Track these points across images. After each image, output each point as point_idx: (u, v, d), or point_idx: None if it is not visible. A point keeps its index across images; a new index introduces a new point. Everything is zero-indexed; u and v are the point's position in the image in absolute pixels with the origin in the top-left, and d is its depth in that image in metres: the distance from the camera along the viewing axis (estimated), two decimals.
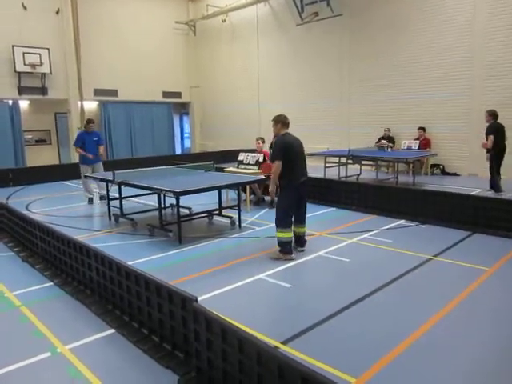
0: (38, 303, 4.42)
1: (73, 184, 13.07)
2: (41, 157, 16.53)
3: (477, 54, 11.64)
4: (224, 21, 18.49)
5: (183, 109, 21.96)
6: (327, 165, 11.81)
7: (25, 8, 15.39)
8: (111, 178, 7.48)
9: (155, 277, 3.56)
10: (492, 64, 11.40)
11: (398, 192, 8.10)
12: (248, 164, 9.27)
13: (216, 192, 7.51)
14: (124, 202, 8.10)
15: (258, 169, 8.83)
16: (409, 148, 12.59)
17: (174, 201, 6.81)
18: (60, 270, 5.12)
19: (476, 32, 11.59)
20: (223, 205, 7.84)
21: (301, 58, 16.14)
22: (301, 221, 5.88)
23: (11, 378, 3.16)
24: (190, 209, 8.07)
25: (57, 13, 16.22)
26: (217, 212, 7.65)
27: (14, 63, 15.08)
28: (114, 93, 18.12)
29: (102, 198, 9.72)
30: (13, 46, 14.97)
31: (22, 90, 15.61)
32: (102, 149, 9.93)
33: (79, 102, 17.07)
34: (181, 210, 6.66)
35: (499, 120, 9.23)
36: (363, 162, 11.97)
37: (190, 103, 21.23)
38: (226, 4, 18.09)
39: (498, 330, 3.75)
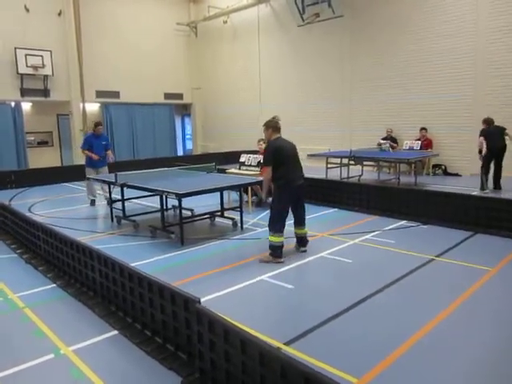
0: (41, 305, 4.44)
1: (75, 186, 13.11)
2: (43, 159, 16.59)
3: (479, 54, 11.63)
4: (225, 22, 18.53)
5: (185, 110, 21.99)
6: (329, 166, 11.80)
7: (27, 10, 15.45)
8: (113, 180, 7.50)
9: (158, 278, 3.57)
10: (495, 64, 11.38)
11: (399, 192, 8.10)
12: (250, 165, 9.29)
13: (218, 193, 7.52)
14: (126, 203, 8.12)
15: (260, 170, 8.84)
16: (411, 148, 12.59)
17: (176, 202, 6.82)
18: (63, 272, 5.14)
19: (478, 32, 11.57)
20: (225, 206, 7.84)
21: (302, 59, 16.15)
22: (300, 222, 5.89)
23: (15, 380, 3.17)
24: (192, 210, 8.08)
25: (59, 15, 16.29)
26: (219, 213, 7.66)
27: (17, 65, 15.14)
28: (115, 94, 18.17)
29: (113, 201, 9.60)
30: (15, 48, 15.02)
31: (24, 92, 15.67)
32: (109, 153, 9.84)
33: (81, 104, 17.12)
34: (183, 211, 6.67)
35: (500, 121, 9.40)
36: (365, 163, 11.96)
37: (191, 104, 21.26)
38: (228, 5, 18.12)
39: (500, 330, 3.75)
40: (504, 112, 11.17)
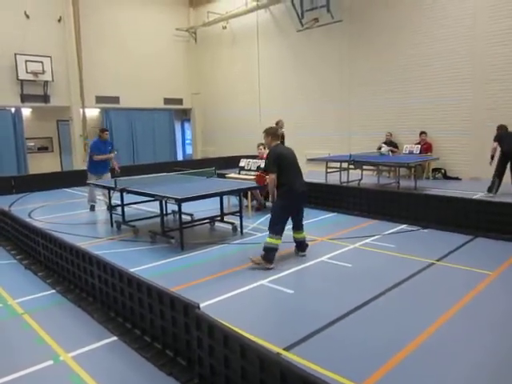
0: (40, 311, 4.43)
1: (75, 191, 13.11)
2: (43, 164, 16.58)
3: (478, 57, 11.65)
4: (225, 27, 18.59)
5: (184, 115, 22.03)
6: (328, 170, 11.80)
7: (27, 16, 15.51)
8: (113, 185, 7.50)
9: (157, 283, 3.56)
10: (494, 68, 11.40)
11: (399, 196, 8.09)
12: (249, 170, 9.29)
13: (218, 198, 7.52)
14: (126, 209, 8.12)
15: (255, 175, 8.79)
16: (410, 152, 12.59)
17: (175, 207, 6.82)
18: (62, 278, 5.13)
19: (477, 36, 11.60)
20: (225, 211, 7.84)
21: (301, 64, 16.19)
22: (298, 227, 5.91)
23: None
24: (191, 215, 8.07)
25: (59, 21, 16.34)
26: (219, 218, 7.66)
27: (17, 71, 15.17)
28: (115, 100, 18.20)
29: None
30: (15, 54, 15.06)
31: (24, 98, 15.70)
32: (114, 161, 9.82)
33: (81, 110, 17.15)
34: (183, 216, 6.67)
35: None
36: (364, 167, 11.97)
37: (191, 110, 21.30)
38: (227, 11, 18.19)
39: (501, 334, 3.73)
40: (503, 116, 11.18)
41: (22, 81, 15.38)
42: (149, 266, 5.74)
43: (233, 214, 7.71)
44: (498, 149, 9.41)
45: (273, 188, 5.60)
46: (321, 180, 11.01)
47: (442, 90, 12.48)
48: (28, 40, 15.45)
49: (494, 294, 4.58)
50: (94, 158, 9.47)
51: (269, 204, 9.11)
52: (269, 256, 5.47)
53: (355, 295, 4.55)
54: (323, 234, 7.05)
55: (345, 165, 11.67)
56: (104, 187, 8.38)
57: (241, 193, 7.74)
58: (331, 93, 15.30)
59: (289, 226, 5.78)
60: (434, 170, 12.75)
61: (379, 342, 3.61)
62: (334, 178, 11.61)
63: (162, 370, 3.25)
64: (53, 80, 16.03)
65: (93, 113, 18.08)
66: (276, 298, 4.65)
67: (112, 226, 8.08)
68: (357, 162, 11.33)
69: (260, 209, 9.16)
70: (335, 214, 8.69)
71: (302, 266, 5.58)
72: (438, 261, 5.61)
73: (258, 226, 7.78)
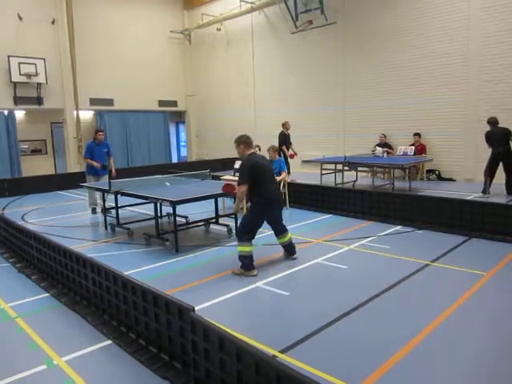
0: (33, 314, 4.38)
1: (69, 194, 13.04)
2: (36, 167, 16.50)
3: (472, 59, 11.72)
4: (219, 29, 18.59)
5: (179, 117, 22.00)
6: (323, 172, 11.82)
7: (20, 18, 15.43)
8: (107, 188, 7.47)
9: (152, 286, 3.54)
10: (487, 69, 11.47)
11: (394, 198, 8.11)
12: None
13: (212, 200, 7.50)
14: (120, 211, 8.08)
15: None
16: (404, 154, 12.64)
17: (170, 209, 6.79)
18: (56, 281, 5.08)
19: (470, 37, 11.67)
20: (220, 213, 7.82)
21: (296, 66, 16.22)
22: (281, 231, 5.75)
23: None
24: (186, 217, 8.05)
25: (52, 23, 16.28)
26: (213, 220, 7.63)
27: (10, 73, 15.10)
28: (109, 102, 18.15)
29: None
30: (8, 57, 15.00)
31: (17, 100, 15.62)
32: (111, 162, 9.69)
33: (75, 112, 17.08)
34: (177, 218, 6.64)
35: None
36: (359, 169, 12.00)
37: (185, 112, 21.27)
38: (221, 13, 18.22)
39: (496, 335, 3.74)
40: (497, 116, 11.25)
41: (15, 83, 15.30)
42: (143, 268, 5.71)
43: (228, 216, 7.69)
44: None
45: (241, 200, 5.43)
46: (316, 181, 11.02)
47: (435, 91, 12.54)
48: (21, 42, 15.38)
49: (489, 295, 4.59)
50: (84, 161, 9.43)
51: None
52: (246, 265, 5.28)
53: (351, 297, 4.55)
54: (318, 236, 7.05)
55: (339, 166, 11.69)
56: (98, 189, 8.33)
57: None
58: (326, 94, 15.34)
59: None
60: (429, 171, 12.80)
61: (375, 343, 3.61)
62: (328, 180, 11.62)
63: (157, 373, 3.23)
64: (46, 82, 15.96)
65: (87, 115, 18.01)
66: (271, 300, 4.64)
67: (106, 228, 8.04)
68: (351, 164, 11.36)
69: None
70: (330, 215, 8.69)
71: (298, 267, 5.57)
72: (432, 262, 5.62)
73: None
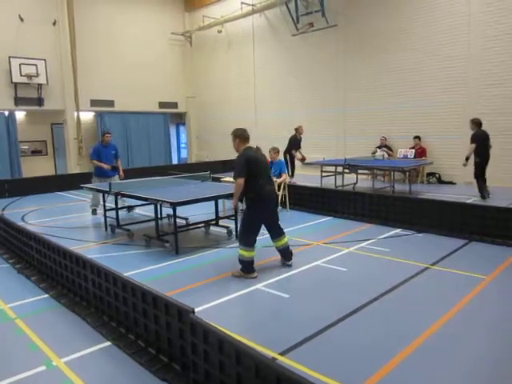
0: (33, 315, 4.38)
1: (69, 195, 13.03)
2: (37, 168, 16.48)
3: (472, 62, 11.74)
4: (220, 32, 18.62)
5: (179, 119, 22.02)
6: (323, 174, 11.82)
7: (22, 19, 15.46)
8: (107, 189, 7.47)
9: (151, 288, 3.53)
10: (487, 72, 11.49)
11: (394, 201, 8.11)
12: None
13: (213, 202, 7.50)
14: (120, 212, 8.08)
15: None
16: (405, 157, 12.66)
17: (170, 211, 6.79)
18: (56, 282, 5.08)
19: (471, 41, 11.69)
20: (220, 215, 7.82)
21: (297, 68, 16.24)
22: (277, 234, 5.59)
23: None
24: (186, 219, 8.05)
25: (53, 24, 16.30)
26: (214, 222, 7.63)
27: (11, 74, 15.11)
28: (110, 103, 18.16)
29: (128, 209, 9.41)
30: (9, 57, 15.01)
31: (18, 101, 15.62)
32: (119, 163, 9.68)
33: (75, 113, 17.08)
34: (177, 220, 6.64)
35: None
36: (359, 171, 12.00)
37: (186, 113, 21.29)
38: (222, 15, 18.25)
39: (496, 339, 3.73)
40: (496, 120, 11.27)
41: (15, 84, 15.31)
42: (143, 270, 5.70)
43: (228, 217, 7.69)
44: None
45: (238, 193, 5.27)
46: (316, 184, 11.02)
47: (436, 94, 12.55)
48: (22, 43, 15.40)
49: (490, 299, 4.59)
50: (91, 163, 9.42)
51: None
52: (246, 268, 5.25)
53: (350, 299, 4.54)
54: (318, 238, 7.04)
55: (340, 169, 11.70)
56: (98, 191, 8.33)
57: None
58: (326, 97, 15.36)
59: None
60: (429, 174, 12.81)
61: (375, 346, 3.60)
62: (328, 182, 11.62)
63: (156, 375, 3.22)
64: (47, 83, 15.97)
65: (87, 116, 18.02)
66: (271, 303, 4.64)
67: (106, 229, 8.03)
68: (352, 166, 11.36)
69: None
70: (330, 217, 8.68)
71: (298, 270, 5.56)
72: (432, 265, 5.62)
73: None
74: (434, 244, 6.69)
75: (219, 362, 2.76)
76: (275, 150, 9.37)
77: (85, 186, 8.87)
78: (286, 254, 5.69)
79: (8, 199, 12.35)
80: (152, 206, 6.98)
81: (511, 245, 6.34)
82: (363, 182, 12.38)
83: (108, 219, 8.12)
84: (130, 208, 9.34)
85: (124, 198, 8.59)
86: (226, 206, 9.13)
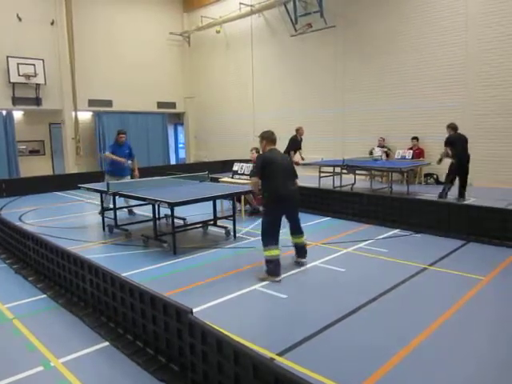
0: (30, 316, 4.37)
1: (66, 195, 13.01)
2: (34, 167, 16.45)
3: (470, 63, 11.76)
4: (218, 32, 18.61)
5: (178, 119, 22.00)
6: (322, 174, 11.83)
7: (20, 19, 15.42)
8: (105, 189, 7.45)
9: (150, 288, 3.53)
10: (485, 74, 11.52)
11: (392, 201, 8.12)
12: (242, 174, 9.28)
13: (211, 202, 7.49)
14: (118, 212, 8.07)
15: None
16: (403, 157, 12.66)
17: (168, 211, 6.79)
18: (53, 282, 5.07)
19: (469, 42, 11.71)
20: (218, 215, 7.82)
21: (295, 69, 16.26)
22: (295, 232, 5.74)
23: None
24: (184, 219, 8.04)
25: (52, 24, 16.27)
26: (212, 222, 7.63)
27: (9, 74, 15.08)
28: (108, 103, 18.14)
29: (130, 212, 9.36)
30: (7, 57, 14.98)
31: (16, 101, 15.59)
32: (135, 162, 9.54)
33: (73, 113, 17.05)
34: (175, 220, 6.64)
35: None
36: (357, 172, 12.02)
37: (184, 113, 21.28)
38: (221, 15, 18.25)
39: (494, 339, 3.74)
40: (494, 121, 11.31)
41: (13, 83, 15.28)
42: (141, 270, 5.69)
43: (226, 218, 7.68)
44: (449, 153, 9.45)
45: (255, 190, 5.81)
46: (314, 184, 11.03)
47: (434, 95, 12.58)
48: (20, 43, 15.37)
49: (487, 299, 4.60)
50: (104, 155, 9.28)
51: (262, 209, 9.12)
52: (270, 269, 5.26)
53: (348, 300, 4.55)
54: (316, 239, 7.04)
55: (338, 169, 11.71)
56: (96, 190, 8.31)
57: (234, 197, 7.73)
58: (325, 97, 15.37)
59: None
60: (427, 175, 12.84)
61: (373, 346, 3.61)
62: (327, 183, 11.63)
63: (154, 375, 3.22)
64: (45, 83, 15.94)
65: (85, 116, 18.00)
66: (269, 303, 4.64)
67: (104, 229, 8.02)
68: (350, 167, 11.37)
69: (253, 213, 9.13)
70: (328, 218, 8.69)
71: (296, 270, 5.57)
72: (430, 266, 5.63)
73: (251, 231, 7.76)
74: (431, 244, 6.70)
75: (217, 362, 2.76)
76: (257, 150, 9.34)
77: (82, 185, 8.84)
78: (300, 251, 5.83)
79: (5, 199, 12.32)
80: (150, 206, 6.97)
81: (509, 245, 6.36)
82: (361, 183, 12.39)
83: (106, 219, 8.11)
84: (130, 211, 9.28)
85: (128, 199, 8.57)
86: (224, 206, 9.13)
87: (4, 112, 15.78)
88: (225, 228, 7.42)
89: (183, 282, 5.23)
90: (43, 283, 5.19)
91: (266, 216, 5.48)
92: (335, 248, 6.55)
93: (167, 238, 6.69)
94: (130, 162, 9.42)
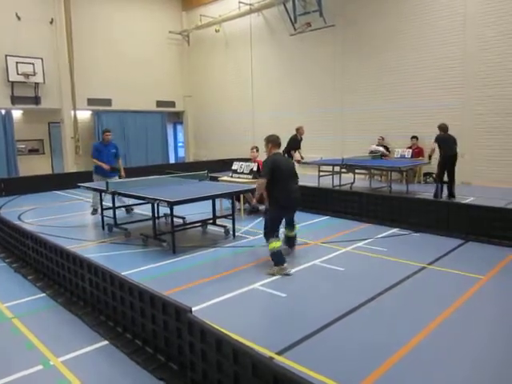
0: (30, 315, 4.37)
1: (66, 194, 13.00)
2: (34, 166, 16.45)
3: (469, 63, 11.76)
4: (217, 31, 18.60)
5: (177, 118, 21.99)
6: (321, 174, 11.84)
7: (18, 18, 15.40)
8: (104, 188, 7.45)
9: (149, 287, 3.53)
10: (484, 73, 11.51)
11: (391, 200, 8.13)
12: (242, 173, 9.28)
13: (210, 201, 7.49)
14: (118, 211, 8.06)
15: (253, 178, 8.78)
16: (402, 157, 12.67)
17: (167, 210, 6.79)
18: (52, 281, 5.07)
19: (468, 42, 11.71)
20: (217, 214, 7.82)
21: (294, 68, 16.25)
22: (290, 226, 6.09)
23: None
24: (183, 218, 8.04)
25: (51, 23, 16.25)
26: (211, 221, 7.63)
27: (7, 73, 15.06)
28: (107, 102, 18.13)
29: (127, 211, 9.35)
30: (6, 56, 14.96)
31: (15, 100, 15.58)
32: (120, 163, 9.53)
33: (72, 112, 17.04)
34: (175, 219, 6.63)
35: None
36: (357, 171, 12.02)
37: (183, 112, 21.27)
38: (220, 14, 18.23)
39: (493, 338, 3.75)
40: (492, 120, 11.32)
41: (12, 82, 15.28)
42: (140, 269, 5.69)
43: (225, 217, 7.68)
44: (437, 150, 9.70)
45: (260, 191, 5.80)
46: (313, 183, 11.03)
47: (433, 94, 12.58)
48: (19, 42, 15.35)
49: (486, 298, 4.61)
50: (92, 161, 9.31)
51: (261, 207, 9.12)
52: (278, 259, 5.44)
53: (348, 299, 4.55)
54: (315, 238, 7.05)
55: (337, 168, 11.71)
56: (95, 190, 8.31)
57: (233, 196, 7.73)
58: (324, 97, 15.37)
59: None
60: (426, 174, 12.84)
61: (372, 346, 3.61)
62: (326, 182, 11.63)
63: (153, 374, 3.22)
64: (44, 82, 15.93)
65: (84, 115, 17.99)
66: (269, 302, 4.64)
67: (103, 228, 8.02)
68: (349, 166, 11.38)
69: (252, 212, 9.13)
70: (327, 217, 8.69)
71: (295, 269, 5.57)
72: (429, 265, 5.64)
73: (250, 229, 7.76)
74: (430, 244, 6.71)
75: (217, 361, 2.77)
76: (257, 149, 9.38)
77: (82, 184, 8.84)
78: (289, 242, 6.23)
79: (5, 198, 12.30)
80: (149, 205, 6.97)
81: (508, 245, 6.36)
82: (360, 182, 12.39)
83: (105, 218, 8.11)
84: (128, 210, 9.29)
85: (124, 198, 8.57)
86: (224, 205, 9.14)
87: (3, 111, 15.77)
88: (224, 227, 7.42)
89: (182, 280, 5.23)
90: (42, 282, 5.19)
91: (271, 216, 5.69)
92: (334, 247, 6.56)
93: (166, 237, 6.69)
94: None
